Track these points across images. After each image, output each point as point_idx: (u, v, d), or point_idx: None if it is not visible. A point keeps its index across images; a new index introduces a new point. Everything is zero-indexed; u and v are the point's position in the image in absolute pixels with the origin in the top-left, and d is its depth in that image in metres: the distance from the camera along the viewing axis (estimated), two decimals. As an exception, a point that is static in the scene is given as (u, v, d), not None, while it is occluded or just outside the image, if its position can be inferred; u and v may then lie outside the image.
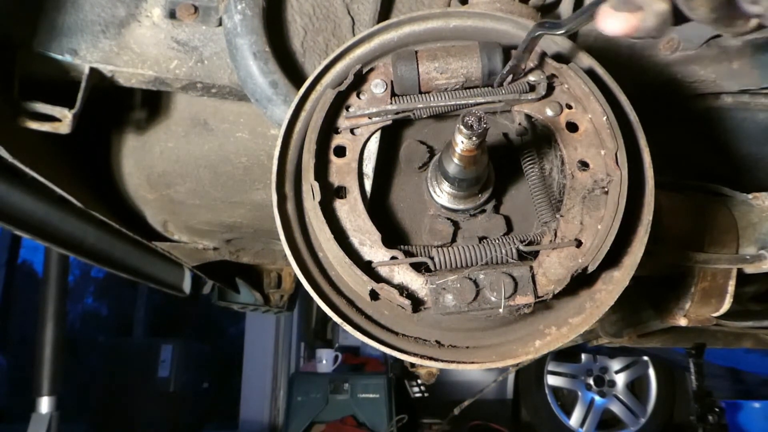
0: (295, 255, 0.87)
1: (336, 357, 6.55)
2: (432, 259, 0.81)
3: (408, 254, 0.83)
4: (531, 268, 0.79)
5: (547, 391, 6.00)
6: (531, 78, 0.92)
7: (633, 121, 0.93)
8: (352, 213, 0.85)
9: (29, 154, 1.22)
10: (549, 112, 0.90)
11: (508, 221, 0.92)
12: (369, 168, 0.90)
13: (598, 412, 6.00)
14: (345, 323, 0.84)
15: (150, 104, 1.47)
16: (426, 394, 6.53)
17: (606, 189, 0.84)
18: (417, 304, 0.79)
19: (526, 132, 0.94)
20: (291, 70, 1.17)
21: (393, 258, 0.82)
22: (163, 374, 7.35)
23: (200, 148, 1.53)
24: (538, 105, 0.90)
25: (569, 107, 0.90)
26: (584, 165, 0.87)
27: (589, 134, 0.89)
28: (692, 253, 1.51)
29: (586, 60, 0.96)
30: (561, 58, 0.95)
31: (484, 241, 0.86)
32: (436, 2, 1.24)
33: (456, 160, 0.81)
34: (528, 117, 0.92)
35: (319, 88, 0.94)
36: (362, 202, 0.86)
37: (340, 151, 0.89)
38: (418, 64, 0.88)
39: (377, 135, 0.91)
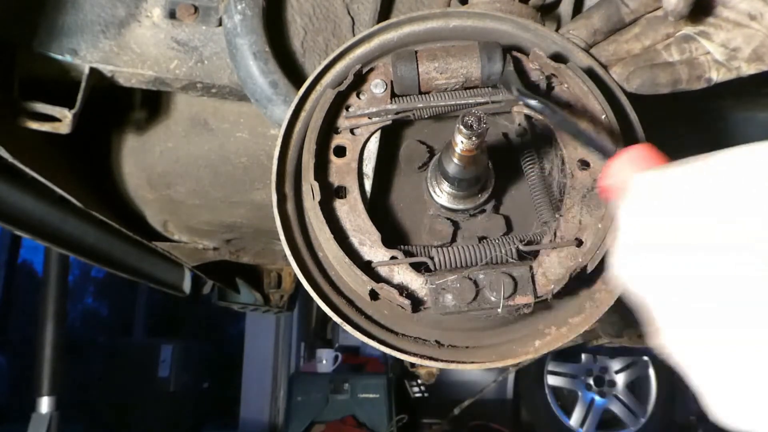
0: (295, 255, 0.88)
1: (336, 357, 6.54)
2: (432, 259, 0.81)
3: (408, 254, 0.83)
4: (531, 267, 0.79)
5: (547, 391, 5.99)
6: (531, 78, 0.92)
7: (633, 121, 0.93)
8: (352, 213, 0.85)
9: (29, 154, 1.21)
10: None
11: (507, 221, 0.92)
12: (369, 168, 0.90)
13: (598, 412, 6.00)
14: (345, 323, 0.84)
15: (150, 104, 1.47)
16: (426, 394, 6.52)
17: (606, 188, 0.84)
18: (417, 304, 0.79)
19: (526, 132, 0.94)
20: (291, 70, 1.17)
21: (393, 258, 0.82)
22: (163, 374, 7.34)
23: (200, 148, 1.53)
24: None
25: (569, 106, 0.90)
26: (584, 164, 0.87)
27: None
28: (692, 253, 1.50)
29: (585, 60, 0.96)
30: (560, 57, 0.95)
31: (484, 241, 0.86)
32: (436, 2, 1.24)
33: (456, 160, 0.81)
34: (528, 117, 0.92)
35: (319, 88, 0.95)
36: (362, 202, 0.86)
37: (340, 151, 0.89)
38: (417, 64, 0.88)
39: (377, 135, 0.91)
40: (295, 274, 1.30)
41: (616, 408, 6.02)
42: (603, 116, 0.87)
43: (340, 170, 0.88)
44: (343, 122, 0.90)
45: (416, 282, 0.80)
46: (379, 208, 0.93)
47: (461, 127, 0.74)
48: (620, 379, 6.09)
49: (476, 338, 0.88)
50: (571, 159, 0.87)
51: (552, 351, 0.88)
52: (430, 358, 0.84)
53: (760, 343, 0.44)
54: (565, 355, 5.99)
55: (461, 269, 0.80)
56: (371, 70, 0.93)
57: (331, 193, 0.86)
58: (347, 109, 0.91)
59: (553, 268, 0.81)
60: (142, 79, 1.20)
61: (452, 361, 0.84)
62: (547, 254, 0.81)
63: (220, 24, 1.19)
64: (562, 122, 0.80)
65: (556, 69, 0.91)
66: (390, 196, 0.96)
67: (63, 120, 1.13)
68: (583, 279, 0.83)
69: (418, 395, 6.51)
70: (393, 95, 0.91)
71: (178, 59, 1.20)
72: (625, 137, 0.87)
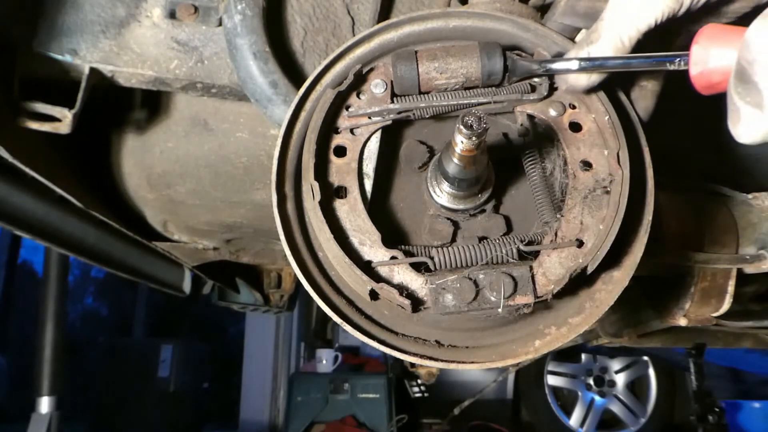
0: (295, 255, 0.87)
1: (336, 357, 6.55)
2: (432, 258, 0.81)
3: (408, 254, 0.83)
4: (531, 267, 0.79)
5: (547, 391, 6.00)
6: (533, 78, 0.92)
7: (634, 121, 0.93)
8: (352, 213, 0.85)
9: (29, 154, 1.21)
10: (552, 112, 0.90)
11: (507, 221, 0.92)
12: (369, 168, 0.90)
13: (598, 412, 6.00)
14: (345, 323, 0.84)
15: (150, 104, 1.47)
16: (426, 394, 6.53)
17: (608, 189, 0.84)
18: (417, 303, 0.79)
19: (528, 132, 0.94)
20: (291, 70, 1.17)
21: (393, 258, 0.82)
22: (163, 374, 7.34)
23: (200, 148, 1.53)
24: (541, 105, 0.90)
25: (573, 107, 0.90)
26: (587, 165, 0.87)
27: (593, 134, 0.89)
28: (692, 253, 1.51)
29: (586, 60, 0.96)
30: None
31: (484, 241, 0.86)
32: (436, 2, 1.24)
33: (456, 160, 0.81)
34: (530, 117, 0.92)
35: (319, 88, 0.94)
36: (362, 202, 0.86)
37: (340, 151, 0.89)
38: (417, 64, 0.88)
39: (377, 135, 0.91)
40: (295, 274, 1.30)
41: (616, 408, 6.02)
42: (606, 117, 0.87)
43: (340, 170, 0.88)
44: (343, 122, 0.90)
45: (416, 282, 0.80)
46: (379, 208, 0.93)
47: (461, 127, 0.74)
48: (620, 379, 6.09)
49: (476, 338, 0.88)
50: (574, 160, 0.87)
51: (552, 351, 0.88)
52: (430, 358, 0.84)
53: None
54: (565, 355, 6.00)
55: (461, 269, 0.80)
56: (371, 70, 0.93)
57: (331, 193, 0.86)
58: (347, 109, 0.91)
59: (553, 268, 0.80)
60: (142, 79, 1.20)
61: (452, 361, 0.84)
62: (548, 254, 0.81)
63: (220, 24, 1.19)
64: (606, 62, 0.82)
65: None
66: (390, 196, 0.96)
67: (63, 120, 1.13)
68: (583, 279, 0.83)
69: (418, 395, 6.51)
70: (393, 95, 0.91)
71: (178, 59, 1.20)
72: (627, 136, 0.87)
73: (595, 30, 0.84)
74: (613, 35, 0.81)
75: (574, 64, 0.84)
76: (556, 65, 0.87)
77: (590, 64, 0.83)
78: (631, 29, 0.80)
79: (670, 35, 0.93)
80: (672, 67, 0.78)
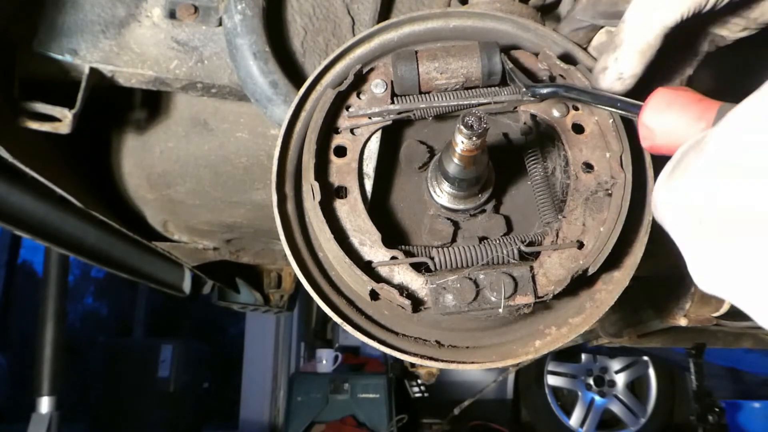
0: (295, 255, 0.87)
1: (336, 357, 6.55)
2: (432, 259, 0.81)
3: (408, 254, 0.83)
4: (531, 268, 0.79)
5: (547, 391, 6.00)
6: (538, 77, 0.92)
7: (634, 120, 0.93)
8: (352, 213, 0.85)
9: (29, 154, 1.21)
10: (555, 113, 0.90)
11: (508, 221, 0.92)
12: (369, 168, 0.90)
13: (598, 412, 6.00)
14: (345, 323, 0.84)
15: (150, 104, 1.47)
16: (426, 394, 6.53)
17: (609, 191, 0.84)
18: (417, 304, 0.79)
19: (531, 131, 0.94)
20: (291, 70, 1.17)
21: (393, 258, 0.82)
22: (163, 374, 7.33)
23: (200, 148, 1.53)
24: (544, 105, 0.90)
25: (576, 108, 0.90)
26: (589, 167, 0.87)
27: (595, 136, 0.89)
28: (692, 253, 1.50)
29: (587, 60, 0.96)
30: (568, 59, 0.94)
31: (485, 241, 0.86)
32: (436, 2, 1.24)
33: (456, 160, 0.81)
34: (532, 116, 0.92)
35: (319, 88, 0.94)
36: (362, 202, 0.86)
37: (341, 151, 0.89)
38: (418, 64, 0.88)
39: (378, 135, 0.91)
40: (295, 274, 1.30)
41: (616, 408, 6.02)
42: (610, 120, 0.87)
43: (341, 170, 0.88)
44: (343, 122, 0.90)
45: (416, 282, 0.80)
46: (379, 208, 0.93)
47: (461, 127, 0.74)
48: (620, 379, 6.10)
49: (476, 338, 0.88)
50: (576, 161, 0.87)
51: (552, 351, 0.88)
52: (431, 358, 0.84)
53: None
54: (565, 355, 6.00)
55: (462, 269, 0.80)
56: (371, 70, 0.93)
57: (331, 193, 0.86)
58: (347, 109, 0.91)
59: (554, 269, 0.80)
60: (142, 79, 1.20)
61: (452, 361, 0.84)
62: (549, 255, 0.81)
63: (220, 24, 1.19)
64: (581, 94, 0.84)
65: (564, 70, 0.91)
66: (390, 196, 0.96)
67: (63, 120, 1.13)
68: (584, 279, 0.83)
69: (418, 395, 6.51)
70: (393, 95, 0.91)
71: (178, 59, 1.20)
72: (628, 137, 0.87)
73: (619, 32, 0.83)
74: (639, 36, 0.80)
75: (555, 93, 0.86)
76: (542, 91, 0.87)
77: (566, 93, 0.86)
78: (656, 26, 0.79)
79: (695, 38, 0.93)
80: (633, 117, 0.80)
